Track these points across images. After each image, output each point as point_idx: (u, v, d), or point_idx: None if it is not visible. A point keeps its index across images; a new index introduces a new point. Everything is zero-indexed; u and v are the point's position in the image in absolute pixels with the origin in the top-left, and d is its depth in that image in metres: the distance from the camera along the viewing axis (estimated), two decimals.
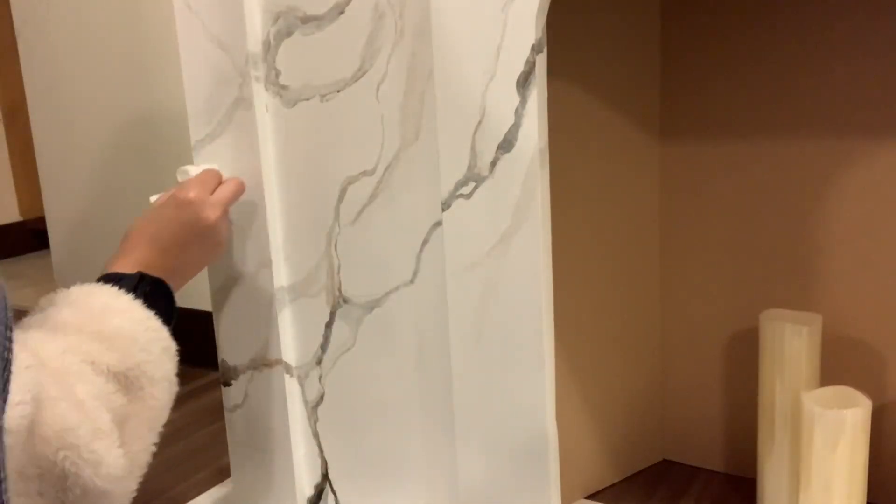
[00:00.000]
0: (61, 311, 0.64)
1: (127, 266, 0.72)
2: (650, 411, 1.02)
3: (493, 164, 0.73)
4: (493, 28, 0.70)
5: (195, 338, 0.84)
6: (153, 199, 0.85)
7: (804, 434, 0.77)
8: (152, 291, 0.70)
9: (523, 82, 0.70)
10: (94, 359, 0.60)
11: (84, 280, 0.68)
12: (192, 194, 0.79)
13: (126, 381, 0.62)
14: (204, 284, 0.92)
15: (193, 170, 0.85)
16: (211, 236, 0.80)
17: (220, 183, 0.84)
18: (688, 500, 0.96)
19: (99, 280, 0.69)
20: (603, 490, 0.99)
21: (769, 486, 0.87)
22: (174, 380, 0.68)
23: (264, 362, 0.92)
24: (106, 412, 0.58)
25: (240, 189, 0.85)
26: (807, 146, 0.88)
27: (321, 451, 0.94)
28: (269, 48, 0.85)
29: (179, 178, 0.86)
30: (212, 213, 0.79)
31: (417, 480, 0.89)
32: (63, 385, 0.56)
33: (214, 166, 0.87)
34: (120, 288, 0.67)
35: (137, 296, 0.68)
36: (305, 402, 0.93)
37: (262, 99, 0.86)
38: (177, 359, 0.69)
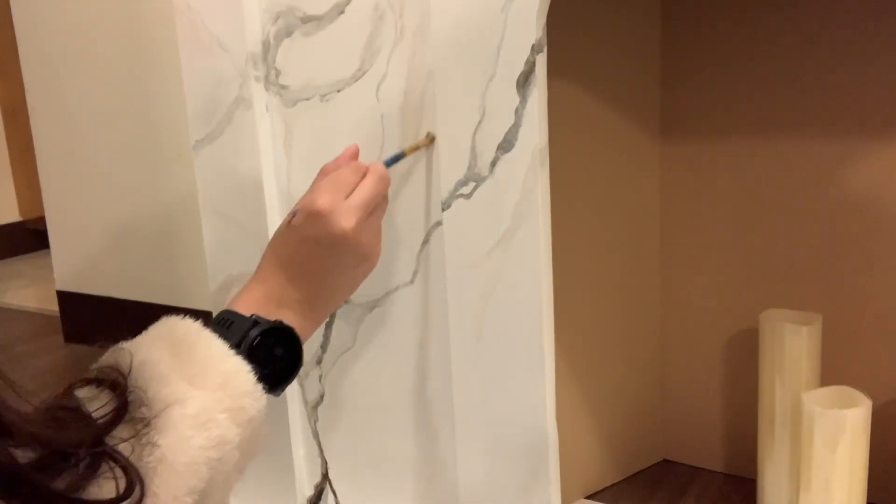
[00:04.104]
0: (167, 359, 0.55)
1: (251, 302, 0.63)
2: (650, 411, 1.02)
3: (493, 164, 0.73)
4: (493, 28, 0.70)
5: None
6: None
7: (804, 434, 0.77)
8: (262, 342, 0.61)
9: (523, 82, 0.70)
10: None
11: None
12: (320, 202, 0.65)
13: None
14: (204, 284, 0.92)
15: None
16: (351, 250, 0.66)
17: (361, 179, 0.69)
18: (688, 500, 0.96)
19: (217, 317, 0.61)
20: (603, 490, 0.99)
21: (769, 486, 0.87)
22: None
23: None
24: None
25: (381, 184, 0.69)
26: (807, 146, 0.88)
27: (321, 451, 0.94)
28: (269, 48, 0.85)
29: None
30: (346, 223, 0.65)
31: (417, 480, 0.89)
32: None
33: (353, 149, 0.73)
34: (227, 338, 0.58)
35: (241, 350, 0.58)
36: (305, 402, 0.93)
37: (262, 99, 0.86)
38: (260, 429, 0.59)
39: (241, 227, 0.89)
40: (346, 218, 0.65)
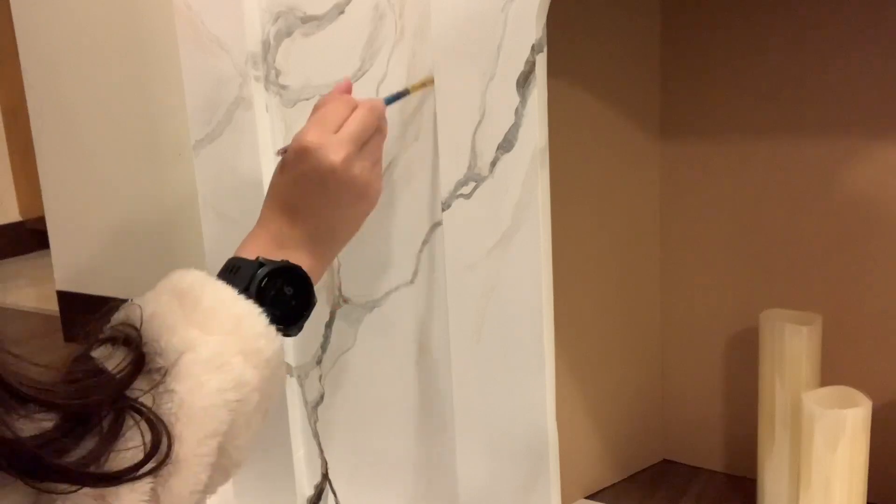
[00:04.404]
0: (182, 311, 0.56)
1: (255, 246, 0.63)
2: (650, 411, 1.02)
3: (493, 164, 0.73)
4: (493, 28, 0.70)
5: None
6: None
7: (804, 434, 0.77)
8: (270, 283, 0.60)
9: (523, 82, 0.70)
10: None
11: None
12: (308, 138, 0.64)
13: None
14: None
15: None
16: (344, 185, 0.65)
17: (351, 112, 0.67)
18: (688, 500, 0.96)
19: (225, 266, 0.61)
20: (603, 490, 0.99)
21: (769, 486, 0.87)
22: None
23: None
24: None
25: (372, 115, 0.67)
26: (807, 146, 0.88)
27: (321, 451, 0.94)
28: (269, 48, 0.85)
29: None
30: (335, 156, 0.63)
31: (417, 480, 0.89)
32: None
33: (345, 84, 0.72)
34: (234, 283, 0.58)
35: (250, 293, 0.58)
36: (305, 402, 0.93)
37: (262, 99, 0.86)
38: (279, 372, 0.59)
39: (241, 227, 0.89)
40: (335, 151, 0.64)
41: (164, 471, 0.48)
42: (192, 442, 0.50)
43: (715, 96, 0.92)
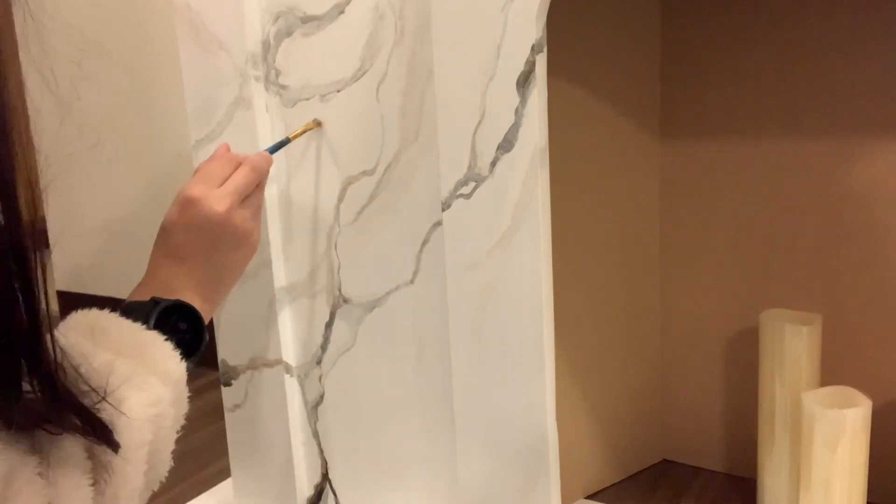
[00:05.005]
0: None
1: (146, 294, 0.66)
2: (650, 411, 1.02)
3: (493, 164, 0.73)
4: (493, 28, 0.70)
5: None
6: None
7: (804, 434, 0.77)
8: (165, 317, 0.63)
9: (523, 82, 0.70)
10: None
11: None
12: (193, 191, 0.70)
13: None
14: None
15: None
16: (228, 232, 0.70)
17: (234, 169, 0.73)
18: (688, 500, 0.96)
19: (121, 310, 0.63)
20: (603, 490, 0.99)
21: (769, 486, 0.87)
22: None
23: (264, 362, 0.92)
24: None
25: (253, 173, 0.73)
26: (807, 146, 0.88)
27: (321, 451, 0.94)
28: (269, 48, 0.85)
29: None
30: (218, 206, 0.69)
31: (417, 480, 0.89)
32: None
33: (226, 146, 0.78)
34: (133, 320, 0.61)
35: (150, 327, 0.61)
36: (305, 402, 0.93)
37: (262, 99, 0.86)
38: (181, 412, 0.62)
39: None
40: (218, 203, 0.69)
41: (103, 477, 0.51)
42: (127, 449, 0.52)
43: (715, 96, 0.92)
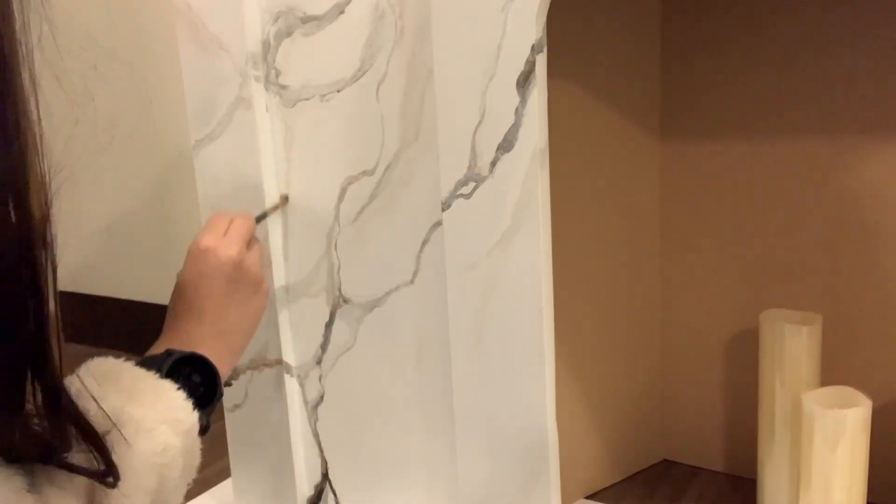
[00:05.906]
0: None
1: (167, 345, 0.66)
2: (650, 411, 1.02)
3: (493, 164, 0.73)
4: (493, 28, 0.70)
5: None
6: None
7: (804, 434, 0.77)
8: (179, 369, 0.64)
9: (523, 82, 0.70)
10: None
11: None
12: (205, 241, 0.72)
13: None
14: None
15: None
16: (243, 276, 0.73)
17: (230, 223, 0.77)
18: (688, 500, 0.96)
19: (137, 363, 0.64)
20: (603, 490, 0.99)
21: (769, 486, 0.87)
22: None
23: (264, 362, 0.92)
24: None
25: (249, 221, 0.78)
26: (807, 146, 0.88)
27: (321, 451, 0.94)
28: (269, 48, 0.85)
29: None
30: (231, 250, 0.72)
31: (417, 480, 0.89)
32: None
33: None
34: (147, 369, 0.61)
35: (162, 376, 0.62)
36: (305, 402, 0.93)
37: (262, 99, 0.86)
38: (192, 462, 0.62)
39: None
40: (230, 247, 0.72)
41: None
42: (129, 496, 0.52)
43: (715, 96, 0.92)
